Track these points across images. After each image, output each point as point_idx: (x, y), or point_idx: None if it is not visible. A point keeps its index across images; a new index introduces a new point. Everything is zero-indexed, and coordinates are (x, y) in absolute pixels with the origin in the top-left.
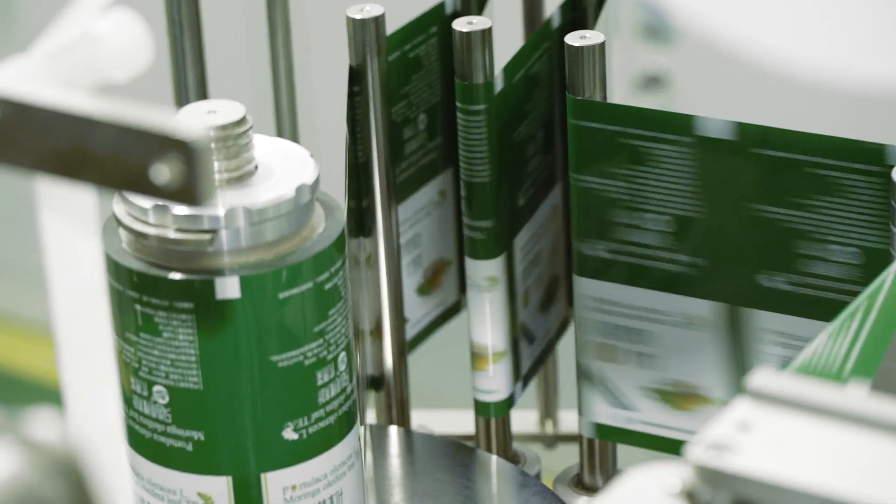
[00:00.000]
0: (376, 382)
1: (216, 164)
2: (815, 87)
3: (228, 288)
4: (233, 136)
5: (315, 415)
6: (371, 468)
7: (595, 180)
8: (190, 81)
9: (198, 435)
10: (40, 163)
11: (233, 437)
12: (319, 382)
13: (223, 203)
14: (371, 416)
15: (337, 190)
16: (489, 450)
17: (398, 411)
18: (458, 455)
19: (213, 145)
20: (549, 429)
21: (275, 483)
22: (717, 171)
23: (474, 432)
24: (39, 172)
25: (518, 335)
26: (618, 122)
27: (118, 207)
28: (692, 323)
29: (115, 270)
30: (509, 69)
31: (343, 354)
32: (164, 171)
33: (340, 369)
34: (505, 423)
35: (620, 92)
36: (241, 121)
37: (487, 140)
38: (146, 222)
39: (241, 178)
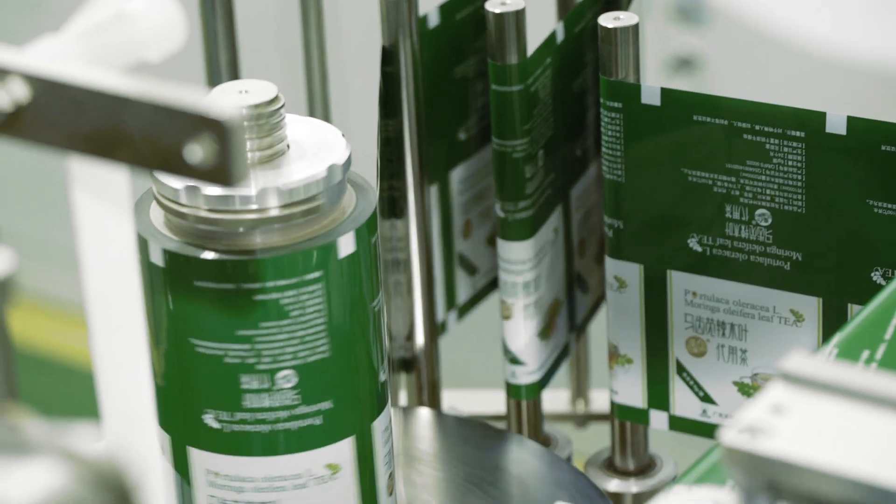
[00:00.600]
0: (407, 364)
1: (248, 144)
2: (850, 67)
3: (261, 269)
4: (265, 116)
5: (384, 365)
6: (401, 450)
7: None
8: (222, 61)
9: (326, 405)
10: (73, 142)
11: (359, 401)
12: (244, 386)
13: (255, 183)
14: (402, 398)
15: (369, 171)
16: (520, 431)
17: (429, 393)
18: (488, 437)
19: (245, 124)
20: (580, 408)
21: (377, 430)
22: (822, 166)
23: (505, 413)
24: (72, 152)
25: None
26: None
27: (153, 186)
28: (784, 317)
29: (146, 249)
30: (570, 20)
31: (289, 373)
32: (197, 151)
33: (282, 386)
34: (536, 405)
35: (653, 74)
36: (274, 100)
37: (520, 118)
38: (178, 202)
39: (272, 157)
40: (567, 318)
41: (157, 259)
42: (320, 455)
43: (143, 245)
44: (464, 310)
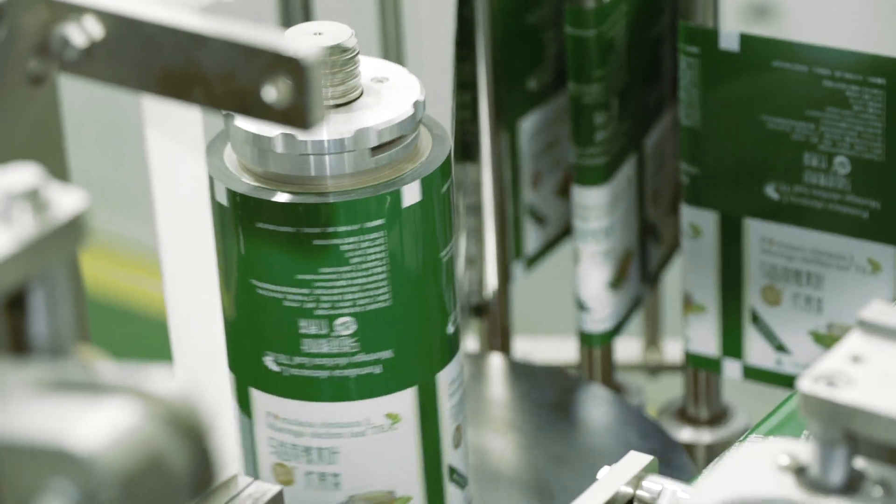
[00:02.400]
0: (479, 310)
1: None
2: None
3: (321, 214)
4: (339, 59)
5: (453, 315)
6: (471, 396)
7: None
8: (295, 3)
9: (386, 354)
10: (147, 81)
11: (420, 349)
12: (302, 331)
13: (329, 127)
14: (473, 345)
15: (443, 115)
16: (592, 378)
17: (501, 339)
18: (560, 385)
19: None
20: (652, 358)
21: (443, 381)
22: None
23: (577, 361)
24: (146, 90)
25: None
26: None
27: (228, 127)
28: (861, 267)
29: (218, 191)
30: None
31: (348, 321)
32: (273, 92)
33: (340, 333)
34: (607, 353)
35: (731, 20)
36: (348, 42)
37: (596, 62)
38: (250, 144)
39: (347, 101)
40: (639, 268)
41: (223, 199)
42: (380, 404)
43: (211, 185)
44: (532, 260)
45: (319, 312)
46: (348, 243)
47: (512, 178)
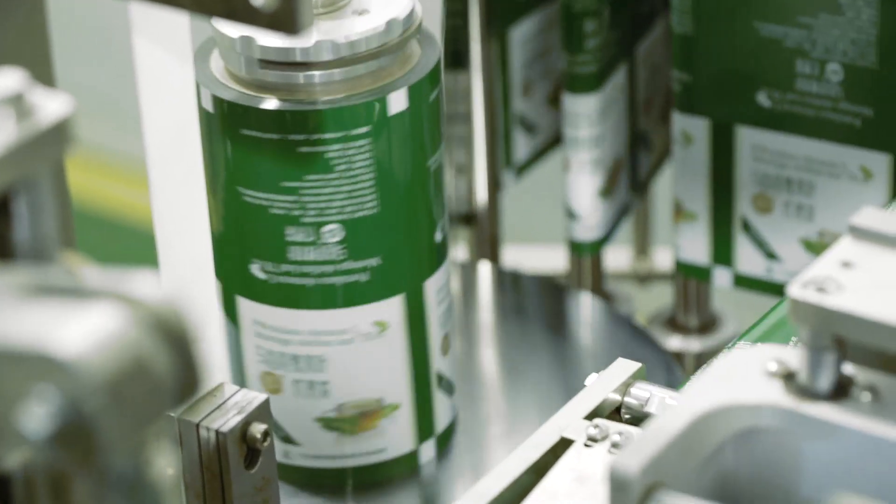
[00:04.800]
0: (468, 219)
1: None
2: None
3: (320, 121)
4: None
5: (441, 223)
6: (460, 305)
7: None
8: None
9: (374, 262)
10: None
11: (408, 256)
12: (289, 238)
13: (316, 34)
14: (462, 253)
15: (433, 22)
16: (581, 288)
17: (490, 248)
18: (548, 293)
19: None
20: (642, 266)
21: (430, 289)
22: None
23: (566, 270)
24: None
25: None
26: None
27: (215, 34)
28: (853, 175)
29: (206, 98)
30: None
31: (335, 228)
32: None
33: (327, 240)
34: (597, 262)
35: None
36: None
37: None
38: (235, 50)
39: (335, 8)
40: (629, 176)
41: (210, 106)
42: (367, 312)
43: (199, 92)
44: (522, 169)
45: (306, 220)
46: (334, 150)
47: (502, 87)
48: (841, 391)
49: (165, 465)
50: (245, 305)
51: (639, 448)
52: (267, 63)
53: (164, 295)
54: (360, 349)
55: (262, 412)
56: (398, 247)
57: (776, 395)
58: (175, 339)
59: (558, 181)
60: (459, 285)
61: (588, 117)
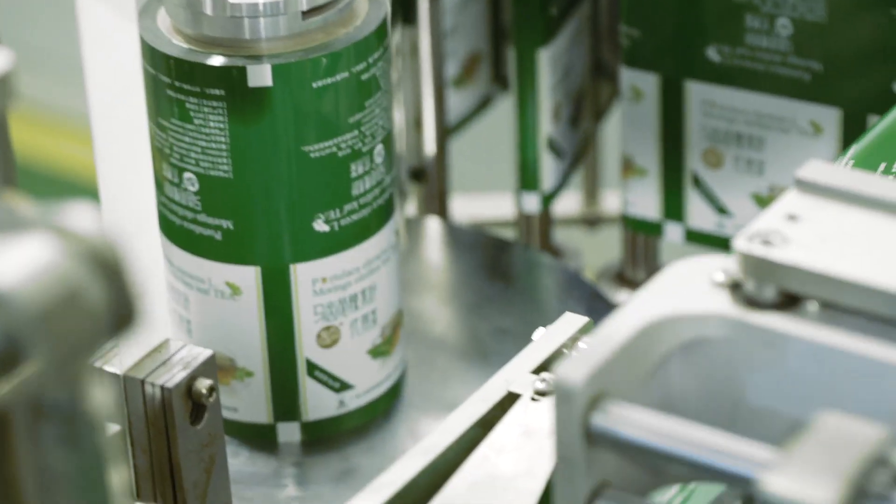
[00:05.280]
0: (417, 174)
1: None
2: None
3: (261, 75)
4: None
5: (348, 207)
6: (408, 261)
7: None
8: None
9: (227, 224)
10: None
11: (263, 227)
12: (353, 174)
13: None
14: (411, 208)
15: None
16: (530, 239)
17: (439, 203)
18: (497, 248)
19: None
20: (591, 211)
21: (304, 275)
22: None
23: (515, 218)
24: None
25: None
26: None
27: None
28: (803, 129)
29: (151, 55)
30: None
31: (380, 147)
32: None
33: (377, 162)
34: (546, 213)
35: None
36: None
37: None
38: (184, 7)
39: None
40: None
41: (155, 63)
42: (221, 270)
43: (144, 49)
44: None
45: (173, 160)
46: (191, 103)
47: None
48: (788, 300)
49: (101, 397)
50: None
51: (583, 358)
52: (212, 19)
53: (99, 227)
54: (215, 304)
55: (208, 368)
56: (252, 217)
57: (723, 305)
58: (110, 270)
59: (507, 133)
60: (409, 241)
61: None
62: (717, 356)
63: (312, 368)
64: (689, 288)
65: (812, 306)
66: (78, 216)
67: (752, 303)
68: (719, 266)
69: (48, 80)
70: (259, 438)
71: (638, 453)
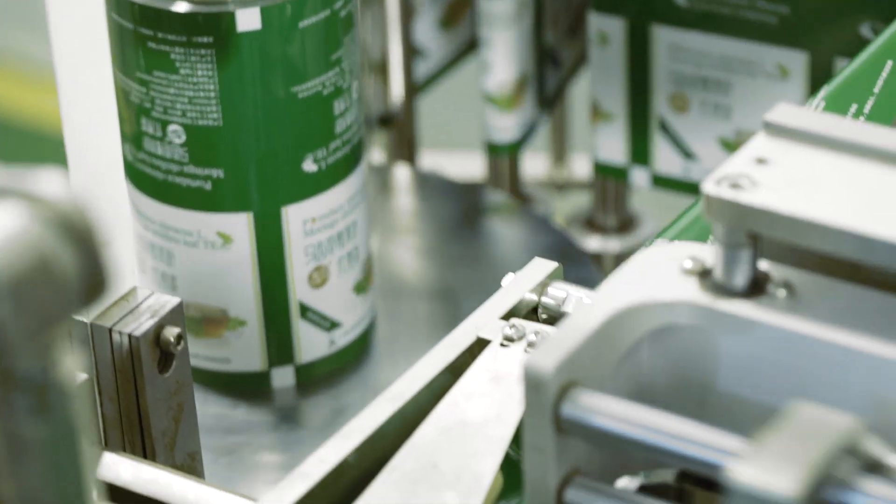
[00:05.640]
0: (385, 121)
1: None
2: None
3: (250, 19)
4: None
5: (333, 145)
6: (378, 207)
7: None
8: None
9: (217, 173)
10: None
11: (254, 173)
12: (336, 112)
13: None
14: (379, 156)
15: None
16: (498, 188)
17: (406, 150)
18: (466, 195)
19: None
20: (560, 173)
21: (296, 216)
22: None
23: (485, 173)
24: None
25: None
26: None
27: None
28: (769, 73)
29: (130, 10)
30: None
31: (356, 83)
32: None
33: (354, 98)
34: (514, 166)
35: None
36: None
37: None
38: None
39: None
40: (536, 91)
41: (121, 11)
42: (211, 220)
43: (123, 6)
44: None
45: (154, 114)
46: (177, 53)
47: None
48: (756, 288)
49: (72, 366)
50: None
51: (553, 346)
52: None
53: (69, 194)
54: (205, 256)
55: (176, 316)
56: (243, 164)
57: (692, 292)
58: (80, 238)
59: (474, 86)
60: (377, 189)
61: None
62: (687, 343)
63: (305, 310)
64: (658, 275)
65: (780, 293)
66: (47, 182)
67: (721, 290)
68: (688, 253)
69: (13, 30)
70: (252, 387)
71: (608, 441)
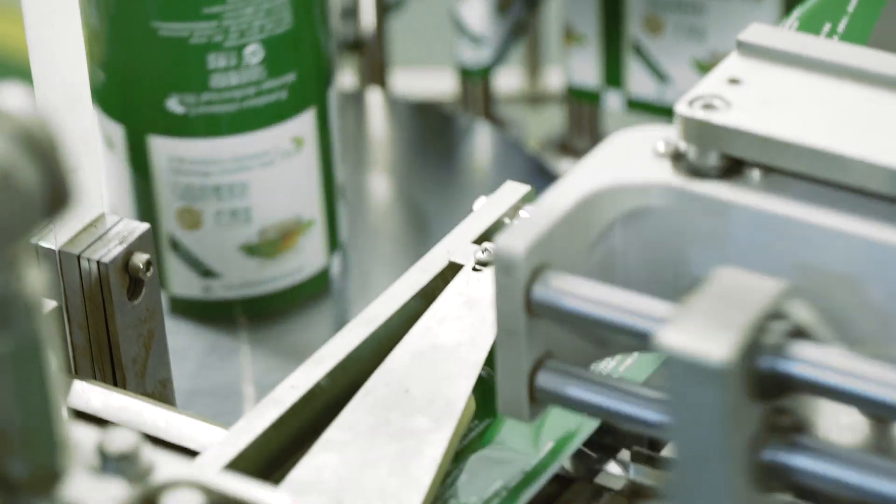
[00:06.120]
0: (356, 44)
1: None
2: None
3: None
4: None
5: (205, 96)
6: (348, 132)
7: None
8: None
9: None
10: None
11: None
12: (212, 66)
13: None
14: (351, 79)
15: None
16: (471, 112)
17: (378, 74)
18: (438, 118)
19: None
20: (533, 87)
21: (161, 151)
22: None
23: (456, 94)
24: None
25: None
26: None
27: None
28: None
29: None
30: None
31: (256, 48)
32: None
33: (248, 62)
34: (487, 85)
35: None
36: None
37: None
38: None
39: None
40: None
41: None
42: (286, 129)
43: None
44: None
45: (228, 44)
46: None
47: None
48: (730, 169)
49: (37, 281)
50: (159, 143)
51: (524, 228)
52: None
53: (34, 109)
54: (279, 170)
55: (145, 242)
56: (311, 60)
57: (665, 174)
58: (43, 152)
59: (446, 5)
60: (349, 114)
61: None
62: (660, 226)
63: (342, 191)
64: (630, 158)
65: (755, 174)
66: (9, 96)
67: (695, 172)
68: (661, 136)
69: None
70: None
71: (579, 323)
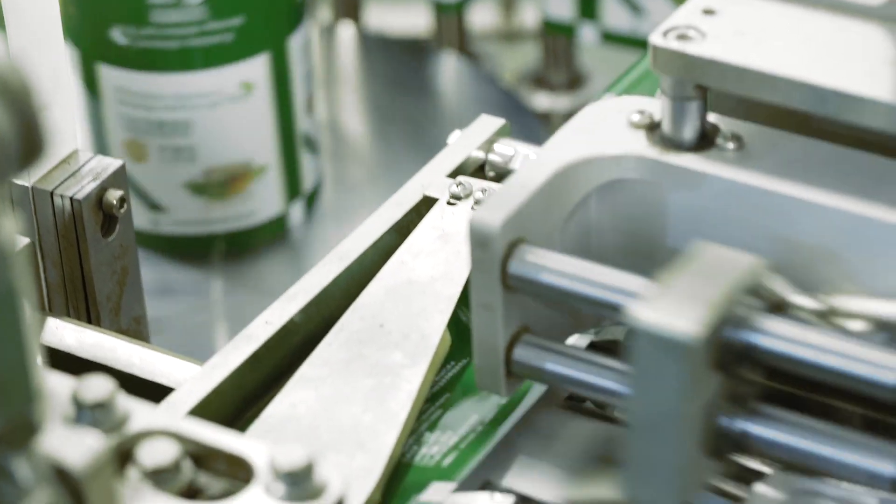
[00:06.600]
0: None
1: None
2: None
3: None
4: None
5: (146, 31)
6: (322, 66)
7: None
8: None
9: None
10: None
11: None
12: (153, 1)
13: None
14: (324, 14)
15: None
16: (446, 47)
17: (350, 8)
18: (412, 53)
19: None
20: (508, 24)
21: (294, 48)
22: None
23: (431, 29)
24: None
25: None
26: None
27: None
28: None
29: None
30: None
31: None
32: None
33: (189, 2)
34: (461, 20)
35: None
36: None
37: None
38: None
39: None
40: None
41: None
42: (232, 73)
43: None
44: None
45: None
46: None
47: None
48: (705, 141)
49: (11, 228)
50: (106, 73)
51: (499, 203)
52: None
53: (5, 55)
54: (226, 112)
55: (118, 178)
56: (264, 5)
57: (639, 145)
58: (16, 99)
59: None
60: (322, 49)
61: None
62: (635, 197)
63: (306, 140)
64: (605, 129)
65: (729, 146)
66: None
67: (670, 143)
68: (636, 107)
69: None
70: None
71: (555, 297)
